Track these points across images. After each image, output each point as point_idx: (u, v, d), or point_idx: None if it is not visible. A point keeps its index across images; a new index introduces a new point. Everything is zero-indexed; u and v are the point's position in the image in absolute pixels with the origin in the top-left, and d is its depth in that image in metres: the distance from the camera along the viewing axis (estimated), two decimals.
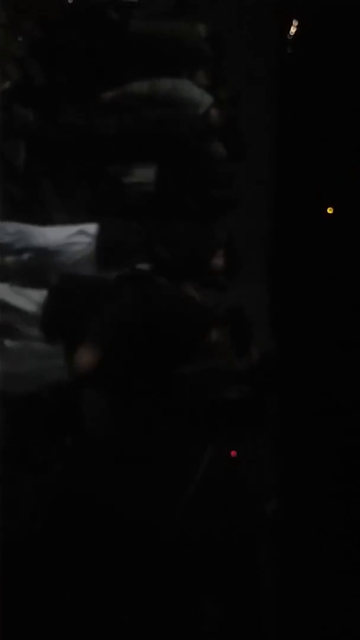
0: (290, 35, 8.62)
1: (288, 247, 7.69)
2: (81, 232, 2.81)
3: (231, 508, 2.95)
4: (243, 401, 2.72)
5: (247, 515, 3.14)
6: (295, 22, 8.53)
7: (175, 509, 2.72)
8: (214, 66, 4.81)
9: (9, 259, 2.76)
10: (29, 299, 2.40)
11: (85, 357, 2.26)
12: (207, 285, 3.17)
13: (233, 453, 3.31)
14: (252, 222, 6.00)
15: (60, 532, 2.61)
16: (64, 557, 2.61)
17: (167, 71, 3.72)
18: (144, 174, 3.42)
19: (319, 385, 6.60)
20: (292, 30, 8.69)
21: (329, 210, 8.80)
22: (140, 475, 2.66)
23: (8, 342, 2.44)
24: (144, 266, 2.79)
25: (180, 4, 5.08)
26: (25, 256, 2.80)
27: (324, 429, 6.47)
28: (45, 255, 2.79)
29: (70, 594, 2.62)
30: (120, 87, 3.53)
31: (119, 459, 2.67)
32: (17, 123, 3.36)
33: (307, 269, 7.78)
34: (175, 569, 2.76)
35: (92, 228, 2.85)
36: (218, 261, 3.01)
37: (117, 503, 2.63)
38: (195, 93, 3.70)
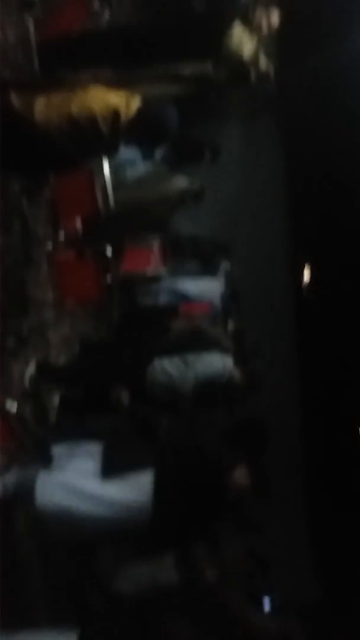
0: (305, 282, 9.50)
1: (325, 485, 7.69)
2: None
3: None
4: None
5: None
6: (308, 269, 9.47)
7: None
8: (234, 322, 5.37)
9: None
10: None
11: None
12: None
13: None
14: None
15: None
16: None
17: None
18: None
19: None
20: (306, 276, 9.61)
21: None
22: None
23: None
24: None
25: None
26: None
27: None
28: None
29: None
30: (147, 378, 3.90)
31: None
32: None
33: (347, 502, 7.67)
34: None
35: None
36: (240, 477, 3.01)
37: None
38: (219, 364, 3.98)
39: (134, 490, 2.85)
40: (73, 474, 2.89)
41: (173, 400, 3.76)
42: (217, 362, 3.93)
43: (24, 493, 2.87)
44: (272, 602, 3.98)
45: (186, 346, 4.00)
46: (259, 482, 2.95)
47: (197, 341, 4.14)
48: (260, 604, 3.93)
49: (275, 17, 4.23)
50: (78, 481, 2.86)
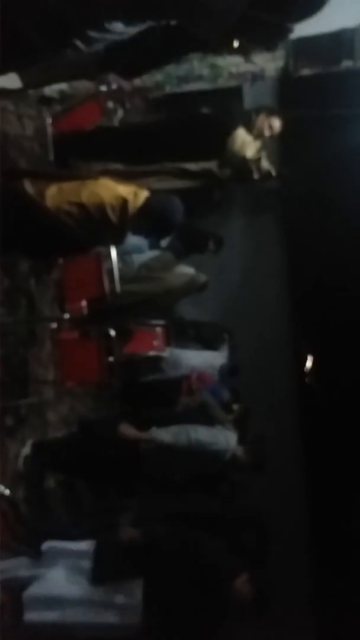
0: (306, 369, 9.54)
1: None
2: None
3: None
4: None
5: None
6: (310, 358, 9.52)
7: None
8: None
9: None
10: None
11: None
12: None
13: None
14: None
15: None
16: None
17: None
18: None
19: None
20: (308, 364, 9.66)
21: None
22: None
23: None
24: None
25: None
26: None
27: None
28: None
29: None
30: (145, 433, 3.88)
31: None
32: None
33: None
34: None
35: None
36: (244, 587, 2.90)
37: None
38: (221, 439, 3.99)
39: (124, 593, 2.80)
40: (61, 581, 2.82)
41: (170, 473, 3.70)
42: (220, 436, 3.90)
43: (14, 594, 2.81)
44: None
45: (188, 420, 4.00)
46: (262, 592, 2.87)
47: (200, 416, 4.14)
48: None
49: (276, 124, 4.53)
50: (66, 588, 2.81)
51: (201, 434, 3.93)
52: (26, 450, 3.99)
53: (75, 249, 3.44)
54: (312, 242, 7.38)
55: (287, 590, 5.34)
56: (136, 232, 3.54)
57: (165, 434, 3.88)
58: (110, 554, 2.96)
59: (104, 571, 2.86)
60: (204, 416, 4.22)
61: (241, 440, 4.10)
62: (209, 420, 4.15)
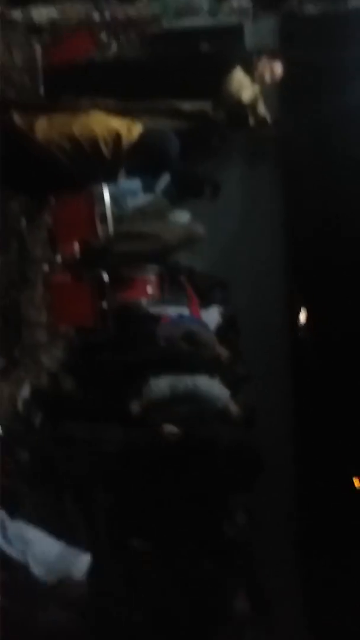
0: (300, 322, 9.51)
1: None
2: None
3: None
4: None
5: None
6: (304, 311, 9.49)
7: None
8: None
9: None
10: None
11: None
12: None
13: None
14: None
15: None
16: None
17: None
18: None
19: None
20: (302, 318, 9.63)
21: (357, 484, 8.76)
22: None
23: None
24: None
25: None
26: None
27: None
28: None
29: None
30: (143, 396, 3.84)
31: None
32: None
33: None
34: None
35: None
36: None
37: None
38: (215, 388, 3.96)
39: None
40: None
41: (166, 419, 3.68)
42: (214, 386, 3.88)
43: None
44: None
45: (183, 366, 3.97)
46: (258, 605, 2.95)
47: (195, 363, 4.10)
48: None
49: (278, 69, 4.34)
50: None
51: (197, 379, 3.91)
52: (25, 393, 3.96)
53: (68, 185, 3.33)
54: (311, 193, 7.24)
55: (272, 532, 5.41)
56: (130, 170, 3.42)
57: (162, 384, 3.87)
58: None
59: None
60: (191, 343, 4.19)
61: (234, 395, 4.08)
62: (204, 369, 4.11)
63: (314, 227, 7.54)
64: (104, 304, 4.73)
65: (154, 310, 5.07)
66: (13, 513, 2.78)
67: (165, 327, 4.67)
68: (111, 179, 3.65)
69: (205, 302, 5.74)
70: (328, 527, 7.48)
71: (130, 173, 3.55)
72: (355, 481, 8.71)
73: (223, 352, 4.61)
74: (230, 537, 3.54)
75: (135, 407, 3.66)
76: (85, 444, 3.40)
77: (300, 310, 9.10)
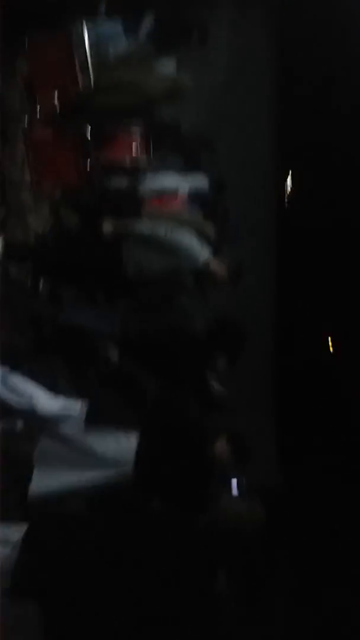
0: (287, 189, 9.31)
1: (293, 381, 7.88)
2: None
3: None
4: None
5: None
6: (290, 175, 9.26)
7: None
8: (216, 217, 5.22)
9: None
10: None
11: None
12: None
13: None
14: (256, 358, 6.21)
15: None
16: None
17: None
18: None
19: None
20: (289, 183, 9.41)
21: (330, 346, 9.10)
22: None
23: None
24: None
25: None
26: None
27: None
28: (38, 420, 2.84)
29: None
30: (123, 223, 3.77)
31: None
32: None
33: (313, 400, 7.92)
34: None
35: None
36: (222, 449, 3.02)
37: None
38: (195, 244, 3.83)
39: (117, 448, 2.85)
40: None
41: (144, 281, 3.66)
42: (193, 241, 3.80)
43: None
44: (239, 485, 4.15)
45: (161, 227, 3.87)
46: (239, 451, 3.02)
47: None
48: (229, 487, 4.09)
49: None
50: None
51: (177, 231, 3.83)
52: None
53: (44, 22, 3.03)
54: (307, 42, 6.77)
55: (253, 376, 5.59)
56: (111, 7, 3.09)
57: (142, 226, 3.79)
58: (104, 402, 3.03)
59: (97, 418, 2.88)
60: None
61: (217, 253, 4.01)
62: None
63: (308, 81, 7.15)
64: (88, 163, 4.52)
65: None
66: (14, 369, 2.83)
67: None
68: (90, 14, 3.31)
69: (192, 166, 5.51)
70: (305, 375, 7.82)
71: (111, 11, 3.22)
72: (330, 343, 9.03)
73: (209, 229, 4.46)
74: (212, 385, 3.71)
75: (107, 226, 3.61)
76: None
77: (288, 173, 8.87)
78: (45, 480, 2.79)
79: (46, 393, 2.83)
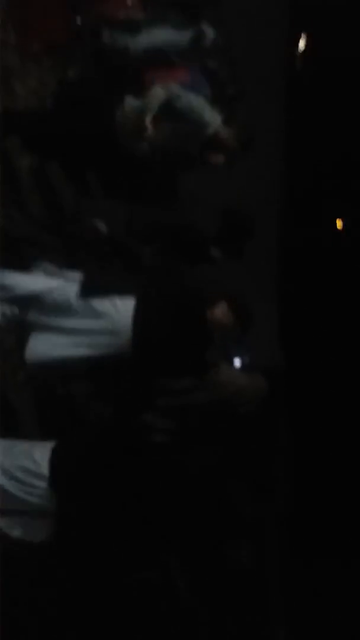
0: (299, 51, 8.68)
1: (297, 265, 7.78)
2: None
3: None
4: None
5: None
6: (304, 37, 8.59)
7: None
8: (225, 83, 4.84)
9: None
10: None
11: None
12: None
13: None
14: (260, 240, 6.05)
15: None
16: None
17: None
18: None
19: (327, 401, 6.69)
20: (302, 44, 8.75)
21: (339, 225, 8.88)
22: None
23: None
24: None
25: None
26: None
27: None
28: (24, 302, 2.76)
29: None
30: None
31: None
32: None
33: (317, 287, 7.87)
34: None
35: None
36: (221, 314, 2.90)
37: None
38: (206, 111, 3.57)
39: (114, 321, 2.73)
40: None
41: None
42: (205, 105, 3.54)
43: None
44: (242, 361, 4.19)
45: None
46: (241, 318, 2.86)
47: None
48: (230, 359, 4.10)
49: None
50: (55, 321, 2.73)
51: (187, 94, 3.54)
52: None
53: None
54: None
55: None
56: None
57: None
58: (100, 272, 2.91)
59: (93, 286, 2.75)
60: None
61: (227, 122, 3.74)
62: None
63: None
64: (78, 19, 4.13)
65: None
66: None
67: None
68: None
69: (193, 22, 5.00)
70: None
71: None
72: (338, 222, 8.82)
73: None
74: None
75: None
76: None
77: (299, 38, 8.22)
78: (41, 346, 2.74)
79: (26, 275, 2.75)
